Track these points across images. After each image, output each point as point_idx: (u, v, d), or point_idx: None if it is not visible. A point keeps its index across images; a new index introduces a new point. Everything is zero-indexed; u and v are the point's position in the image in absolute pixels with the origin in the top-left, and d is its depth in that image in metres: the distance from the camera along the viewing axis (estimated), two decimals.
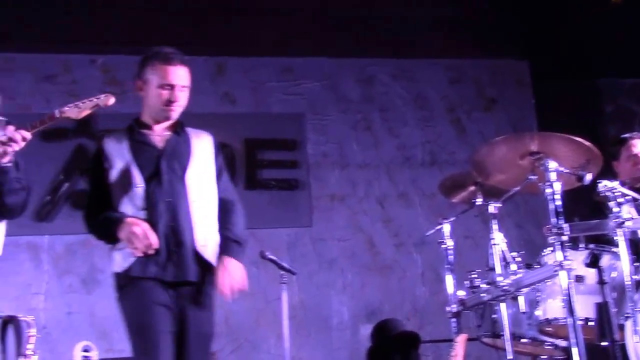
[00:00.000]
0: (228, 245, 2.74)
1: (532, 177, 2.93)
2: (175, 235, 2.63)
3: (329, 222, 5.52)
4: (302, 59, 5.72)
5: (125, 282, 2.65)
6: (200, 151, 2.79)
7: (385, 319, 4.82)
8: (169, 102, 2.71)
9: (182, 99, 2.74)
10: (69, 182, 5.23)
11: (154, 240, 2.54)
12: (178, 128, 2.80)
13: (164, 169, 2.68)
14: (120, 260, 2.66)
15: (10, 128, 2.55)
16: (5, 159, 2.59)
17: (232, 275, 2.67)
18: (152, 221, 2.60)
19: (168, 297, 2.61)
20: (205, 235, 2.70)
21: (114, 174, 2.68)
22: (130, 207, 2.64)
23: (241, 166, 5.41)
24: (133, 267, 2.61)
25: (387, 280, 5.48)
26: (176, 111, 2.75)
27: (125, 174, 2.66)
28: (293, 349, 4.15)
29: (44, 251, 5.09)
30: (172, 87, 2.71)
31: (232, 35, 5.31)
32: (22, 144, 2.56)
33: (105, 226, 2.67)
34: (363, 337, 5.18)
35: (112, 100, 2.64)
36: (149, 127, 2.77)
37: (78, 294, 5.05)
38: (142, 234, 2.52)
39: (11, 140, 2.53)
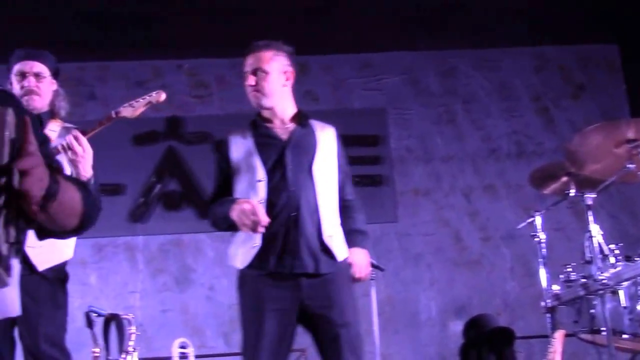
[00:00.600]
0: (355, 236, 2.73)
1: (629, 165, 2.80)
2: (296, 226, 2.56)
3: (414, 217, 5.45)
4: (381, 54, 5.68)
5: (244, 281, 2.61)
6: (325, 143, 2.72)
7: (479, 314, 4.67)
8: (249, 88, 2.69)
9: (259, 84, 2.66)
10: (160, 183, 5.33)
11: (263, 217, 2.46)
12: (302, 120, 2.74)
13: (288, 160, 2.62)
14: (241, 255, 2.60)
15: (70, 135, 2.51)
16: (81, 171, 2.51)
17: (363, 266, 2.69)
18: (272, 211, 2.55)
19: (287, 294, 2.54)
20: (331, 227, 2.63)
21: (236, 166, 2.67)
22: (252, 197, 2.58)
23: None
24: (253, 262, 2.55)
25: (475, 275, 5.36)
26: (254, 97, 2.69)
27: (248, 166, 2.64)
28: (382, 345, 4.12)
29: (139, 251, 5.25)
30: (245, 73, 2.70)
31: (313, 34, 5.30)
32: (80, 149, 2.49)
33: (220, 211, 2.61)
34: (452, 333, 5.10)
35: (163, 97, 2.63)
36: (272, 121, 2.73)
37: (171, 293, 5.17)
38: (250, 210, 2.46)
39: (69, 147, 2.48)
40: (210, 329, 5.06)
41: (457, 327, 4.97)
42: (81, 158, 2.49)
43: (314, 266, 2.55)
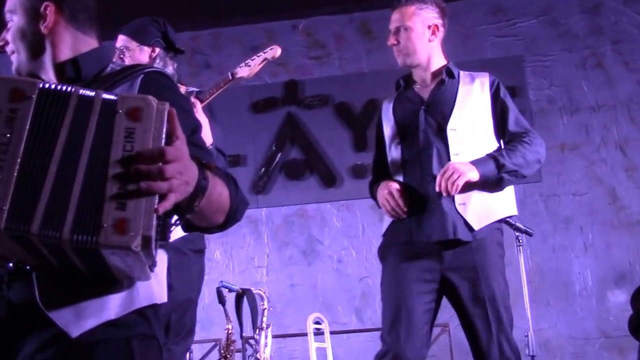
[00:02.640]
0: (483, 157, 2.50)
1: None
2: (429, 193, 2.46)
3: (561, 176, 4.92)
4: None
5: (384, 251, 2.58)
6: (468, 96, 2.55)
7: None
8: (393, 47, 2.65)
9: (402, 42, 2.60)
10: (281, 152, 5.20)
11: (402, 203, 2.45)
12: (446, 74, 2.60)
13: (421, 122, 2.53)
14: (385, 224, 2.60)
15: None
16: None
17: (449, 174, 2.41)
18: (406, 180, 2.51)
19: (428, 264, 2.45)
20: (465, 193, 2.44)
21: (385, 134, 2.64)
22: (393, 168, 2.56)
23: None
24: (387, 232, 2.55)
25: (635, 238, 4.76)
26: (398, 56, 2.62)
27: (390, 136, 2.60)
28: (532, 320, 3.69)
29: (262, 224, 5.13)
30: (390, 31, 2.66)
31: None
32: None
33: (374, 195, 2.62)
34: (612, 304, 4.59)
35: (278, 52, 2.58)
36: (417, 80, 2.66)
37: (299, 266, 5.03)
38: (390, 196, 2.46)
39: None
40: (340, 304, 4.88)
41: (617, 297, 4.46)
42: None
43: (452, 233, 2.42)
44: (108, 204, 1.08)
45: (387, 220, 2.58)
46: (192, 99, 2.44)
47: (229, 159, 4.95)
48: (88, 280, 1.25)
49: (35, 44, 1.40)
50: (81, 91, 1.16)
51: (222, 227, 1.39)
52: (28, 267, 1.24)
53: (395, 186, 2.48)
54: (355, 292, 4.85)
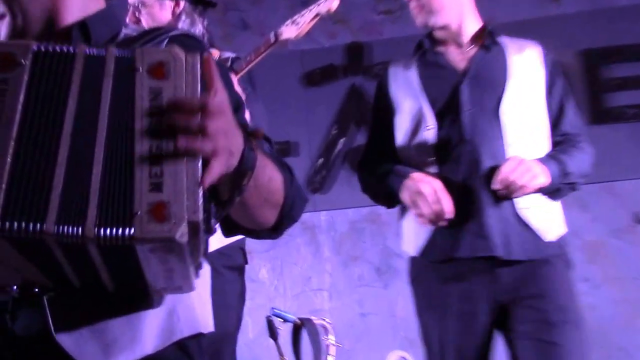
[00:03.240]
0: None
1: None
2: (476, 193, 2.48)
3: None
4: None
5: (417, 272, 2.63)
6: (522, 71, 2.58)
7: None
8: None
9: None
10: (344, 136, 5.17)
11: (447, 205, 2.40)
12: (487, 40, 2.64)
13: (464, 99, 2.53)
14: (412, 237, 2.59)
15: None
16: None
17: (521, 172, 2.41)
18: (446, 176, 2.49)
19: (476, 288, 2.49)
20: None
21: (398, 115, 2.63)
22: (418, 156, 2.55)
23: (580, 91, 4.86)
24: (426, 246, 2.53)
25: None
26: (417, 15, 2.66)
27: (412, 113, 2.59)
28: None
29: (322, 232, 5.10)
30: None
31: None
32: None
33: (383, 184, 2.60)
34: None
35: (335, 3, 2.56)
36: (445, 43, 2.67)
37: (372, 288, 4.98)
38: (431, 196, 2.40)
39: None
40: None
41: None
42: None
43: (505, 248, 2.44)
44: (139, 185, 1.10)
45: (417, 231, 2.56)
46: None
47: (276, 147, 4.98)
48: (116, 303, 1.27)
49: (33, 1, 1.40)
50: (88, 50, 1.19)
51: (274, 230, 1.39)
52: (37, 289, 1.25)
53: (437, 183, 2.44)
54: None
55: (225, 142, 1.15)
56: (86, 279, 1.23)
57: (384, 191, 2.64)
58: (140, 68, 1.16)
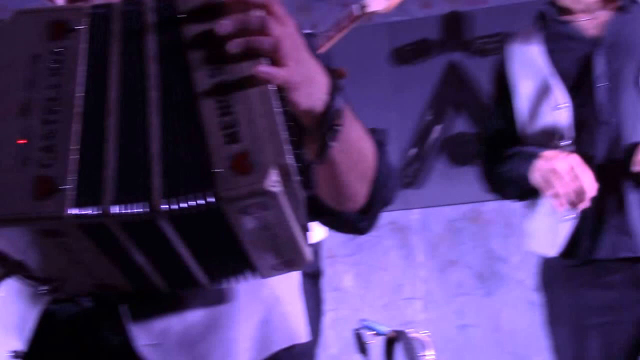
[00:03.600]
0: None
1: None
2: (618, 181, 2.47)
3: None
4: None
5: (551, 276, 2.61)
6: None
7: None
8: None
9: None
10: (440, 122, 5.18)
11: (587, 181, 2.34)
12: (625, 2, 2.60)
13: (599, 69, 2.52)
14: (546, 235, 2.56)
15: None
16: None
17: None
18: (584, 156, 2.45)
19: (621, 296, 2.47)
20: None
21: (523, 95, 2.63)
22: (546, 141, 2.54)
23: None
24: (569, 246, 2.48)
25: None
26: None
27: (538, 92, 2.58)
28: None
29: (415, 233, 5.11)
30: None
31: None
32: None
33: (508, 170, 2.59)
34: None
35: None
36: (571, 10, 2.64)
37: (473, 297, 4.99)
38: (568, 172, 2.35)
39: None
40: (538, 354, 4.65)
41: None
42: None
43: None
44: (213, 138, 1.08)
45: (554, 226, 2.53)
46: None
47: None
48: (202, 310, 1.29)
49: None
50: (124, 6, 1.19)
51: (365, 213, 1.34)
52: (112, 297, 1.27)
53: (574, 158, 2.40)
54: None
55: (297, 56, 1.12)
56: (171, 274, 1.22)
57: (512, 176, 2.60)
58: (184, 13, 1.16)
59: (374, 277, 5.09)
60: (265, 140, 1.08)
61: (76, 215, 1.07)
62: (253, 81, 1.09)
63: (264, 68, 1.08)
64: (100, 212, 1.08)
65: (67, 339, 1.30)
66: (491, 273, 4.98)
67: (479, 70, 5.07)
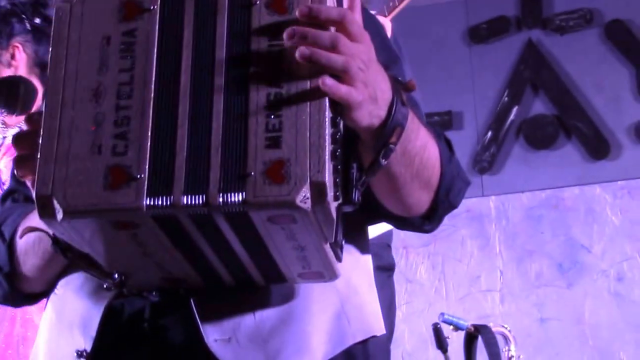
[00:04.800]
0: None
1: None
2: None
3: None
4: None
5: None
6: None
7: None
8: None
9: None
10: (518, 104, 5.11)
11: None
12: None
13: None
14: None
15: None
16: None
17: None
18: None
19: None
20: None
21: None
22: None
23: None
24: None
25: None
26: None
27: None
28: None
29: (491, 221, 5.05)
30: None
31: None
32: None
33: None
34: None
35: None
36: None
37: (553, 288, 4.91)
38: None
39: None
40: (625, 349, 4.73)
41: None
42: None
43: None
44: (254, 141, 1.09)
45: None
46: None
47: (436, 118, 5.03)
48: (272, 303, 1.30)
49: None
50: None
51: (427, 218, 1.36)
52: (182, 291, 1.28)
53: None
54: None
55: (365, 77, 1.12)
56: (233, 268, 1.23)
57: None
58: (258, 1, 1.15)
59: (449, 268, 5.05)
60: (307, 153, 1.08)
61: (152, 206, 1.08)
62: (312, 92, 1.09)
63: (329, 82, 1.08)
64: (173, 202, 1.08)
65: (133, 336, 1.31)
66: (573, 263, 4.92)
67: (559, 49, 5.12)
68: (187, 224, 1.13)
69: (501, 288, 4.96)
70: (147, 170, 1.11)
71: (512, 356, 3.49)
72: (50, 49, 1.16)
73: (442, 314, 3.41)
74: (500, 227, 5.04)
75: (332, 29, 1.12)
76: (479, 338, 3.30)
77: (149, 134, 1.12)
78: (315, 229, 1.12)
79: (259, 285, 1.28)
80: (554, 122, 5.06)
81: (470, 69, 5.18)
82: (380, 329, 1.38)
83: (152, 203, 1.09)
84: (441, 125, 4.96)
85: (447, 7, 4.93)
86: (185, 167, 1.11)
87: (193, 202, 1.10)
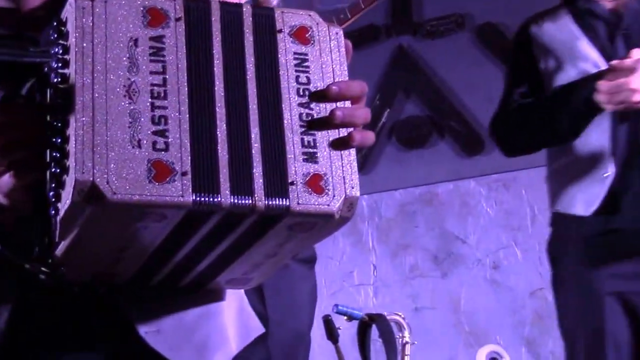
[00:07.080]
0: None
1: None
2: None
3: None
4: None
5: (557, 250, 2.67)
6: None
7: None
8: None
9: None
10: (389, 107, 5.22)
11: None
12: None
13: (619, 53, 2.56)
14: (581, 195, 2.58)
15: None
16: None
17: None
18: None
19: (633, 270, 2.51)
20: None
21: (556, 71, 2.70)
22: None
23: None
24: (601, 207, 2.50)
25: None
26: None
27: (579, 66, 2.63)
28: None
29: (364, 219, 5.14)
30: None
31: None
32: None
33: (559, 105, 2.60)
34: None
35: None
36: None
37: (427, 279, 5.01)
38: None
39: None
40: (502, 333, 4.82)
41: None
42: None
43: None
44: (293, 153, 1.17)
45: (589, 188, 2.56)
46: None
47: None
48: (193, 297, 1.35)
49: None
50: (222, 4, 1.25)
51: None
52: (109, 284, 1.32)
53: None
54: (524, 315, 4.81)
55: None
56: (179, 270, 1.28)
57: (567, 107, 2.58)
58: (283, 30, 1.22)
59: (321, 265, 4.75)
60: (341, 169, 1.18)
61: (199, 203, 1.11)
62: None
63: (357, 136, 1.20)
64: (221, 201, 1.12)
65: (53, 323, 1.34)
66: (447, 254, 5.01)
67: (431, 54, 5.21)
68: (211, 222, 1.17)
69: (374, 281, 5.03)
70: (190, 167, 1.13)
71: (407, 342, 3.51)
72: (75, 40, 1.16)
73: (336, 305, 3.45)
74: (373, 224, 5.12)
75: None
76: (372, 327, 3.34)
77: (189, 134, 1.15)
78: (316, 239, 1.22)
79: (179, 287, 1.33)
80: (427, 122, 5.15)
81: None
82: (260, 327, 1.44)
83: (199, 199, 1.12)
84: None
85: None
86: (229, 168, 1.15)
87: (240, 202, 1.14)
